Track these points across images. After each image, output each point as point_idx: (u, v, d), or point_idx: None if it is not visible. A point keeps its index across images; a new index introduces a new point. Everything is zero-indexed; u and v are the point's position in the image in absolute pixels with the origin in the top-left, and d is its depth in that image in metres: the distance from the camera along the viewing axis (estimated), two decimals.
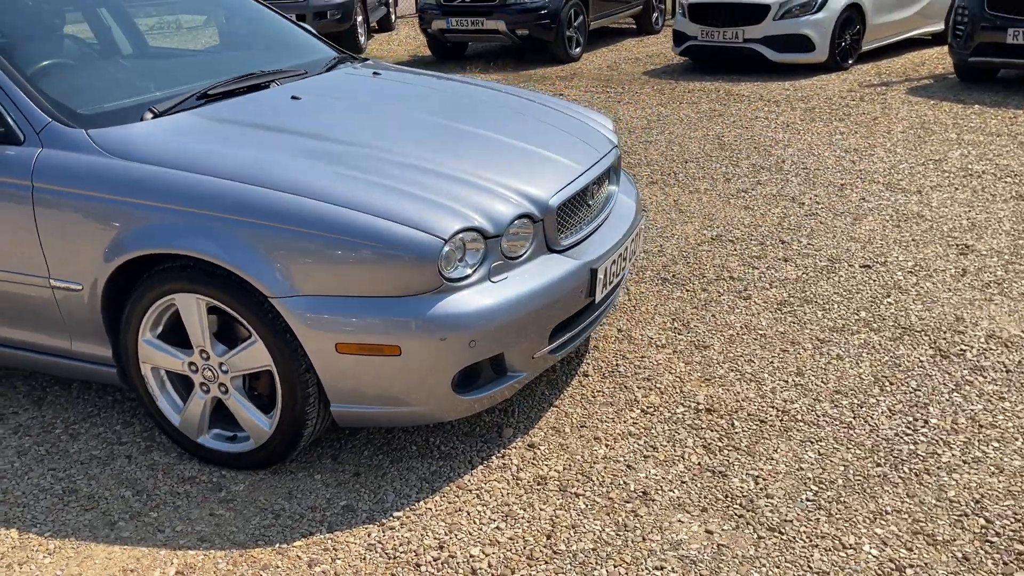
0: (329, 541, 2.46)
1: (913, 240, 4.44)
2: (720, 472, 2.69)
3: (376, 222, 2.45)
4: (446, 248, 2.46)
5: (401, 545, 2.43)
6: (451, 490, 2.66)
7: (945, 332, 3.48)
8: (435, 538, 2.45)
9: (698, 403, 3.07)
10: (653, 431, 2.92)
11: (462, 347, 2.50)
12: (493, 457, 2.81)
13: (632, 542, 2.41)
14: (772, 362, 3.33)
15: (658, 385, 3.20)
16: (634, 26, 12.64)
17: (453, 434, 2.94)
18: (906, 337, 3.47)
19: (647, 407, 3.06)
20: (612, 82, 9.04)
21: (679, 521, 2.48)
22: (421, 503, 2.60)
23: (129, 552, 2.45)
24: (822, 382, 3.17)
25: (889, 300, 3.79)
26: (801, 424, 2.92)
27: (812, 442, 2.82)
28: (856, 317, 3.65)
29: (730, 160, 5.99)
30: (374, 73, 3.59)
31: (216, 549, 2.45)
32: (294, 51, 3.87)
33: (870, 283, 3.97)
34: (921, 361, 3.28)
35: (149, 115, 2.87)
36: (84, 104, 2.88)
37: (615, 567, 2.31)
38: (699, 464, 2.73)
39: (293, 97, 3.11)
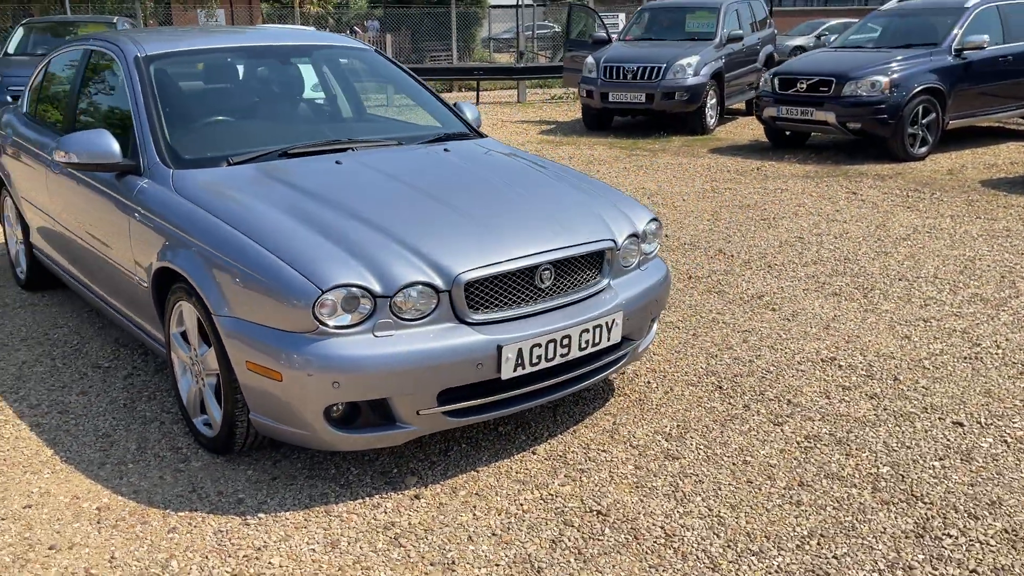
0: (199, 518, 2.98)
1: None
2: (538, 568, 2.68)
3: (279, 264, 2.94)
4: (328, 296, 2.86)
5: (237, 539, 2.86)
6: (317, 511, 3.01)
7: (957, 513, 2.92)
8: (263, 542, 2.84)
9: (598, 504, 3.02)
10: (527, 515, 2.96)
11: (326, 385, 2.87)
12: (379, 497, 3.09)
13: None
14: (719, 490, 3.10)
15: (583, 479, 3.18)
16: None
17: (371, 469, 3.27)
18: (902, 505, 2.98)
19: (548, 494, 3.09)
20: (930, 187, 8.20)
21: None
22: (286, 513, 3.00)
23: (87, 485, 3.22)
24: (746, 521, 2.90)
25: (936, 464, 3.24)
26: (670, 551, 2.75)
27: (660, 570, 2.65)
28: (871, 472, 3.19)
29: (953, 286, 5.27)
30: (444, 149, 4.04)
31: (134, 501, 3.10)
32: (427, 126, 4.49)
33: (938, 441, 3.40)
34: (883, 531, 2.82)
35: (225, 164, 3.67)
36: (193, 151, 3.77)
37: None
38: (530, 555, 2.74)
39: (337, 162, 3.71)
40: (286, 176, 3.54)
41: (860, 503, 3.00)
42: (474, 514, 2.98)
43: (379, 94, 5.51)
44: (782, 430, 3.53)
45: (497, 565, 2.71)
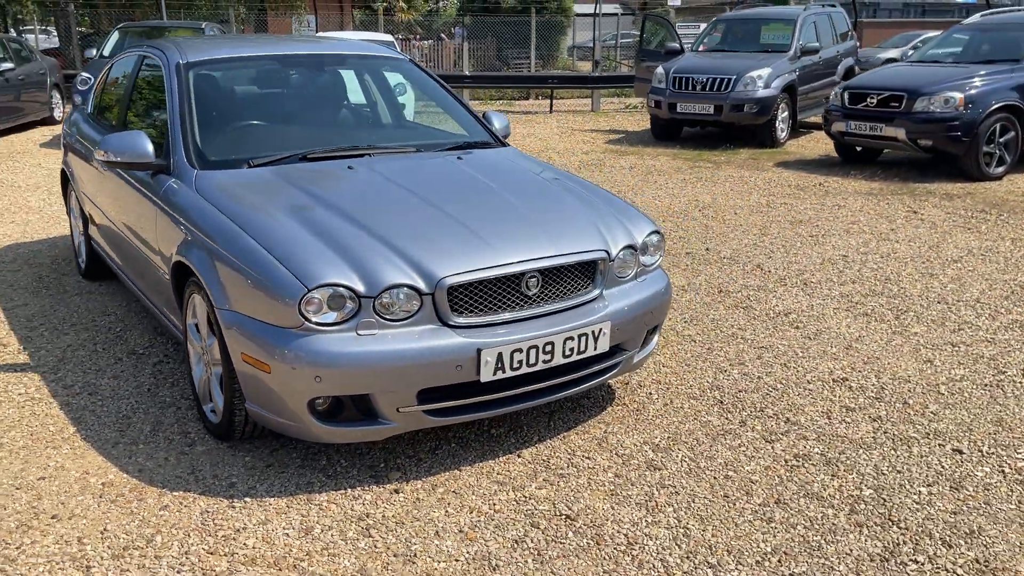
0: (191, 498, 3.16)
1: None
2: (495, 566, 2.76)
3: (272, 262, 3.10)
4: (314, 294, 3.01)
5: (220, 520, 3.02)
6: (300, 499, 3.15)
7: (931, 540, 2.86)
8: (242, 524, 2.99)
9: (568, 508, 3.07)
10: (499, 515, 3.04)
11: (309, 379, 3.02)
12: (360, 488, 3.22)
13: None
14: (693, 502, 3.11)
15: (560, 484, 3.24)
16: None
17: (360, 463, 3.40)
18: (876, 529, 2.94)
19: (523, 496, 3.16)
20: (998, 208, 7.90)
21: None
22: (271, 499, 3.15)
23: (99, 461, 3.44)
24: (711, 534, 2.92)
25: (923, 490, 3.18)
26: (627, 558, 2.79)
27: (613, 575, 2.70)
28: (853, 494, 3.15)
29: (993, 312, 5.10)
30: (458, 158, 4.15)
31: (135, 479, 3.31)
32: (451, 134, 4.62)
33: (931, 467, 3.33)
34: (848, 553, 2.80)
35: (246, 166, 3.87)
36: (219, 154, 3.99)
37: None
38: (490, 553, 2.82)
39: (349, 167, 3.86)
40: (297, 179, 3.72)
41: (833, 524, 2.97)
42: (446, 511, 3.08)
43: (419, 102, 5.74)
44: (772, 447, 3.51)
45: (456, 560, 2.79)
